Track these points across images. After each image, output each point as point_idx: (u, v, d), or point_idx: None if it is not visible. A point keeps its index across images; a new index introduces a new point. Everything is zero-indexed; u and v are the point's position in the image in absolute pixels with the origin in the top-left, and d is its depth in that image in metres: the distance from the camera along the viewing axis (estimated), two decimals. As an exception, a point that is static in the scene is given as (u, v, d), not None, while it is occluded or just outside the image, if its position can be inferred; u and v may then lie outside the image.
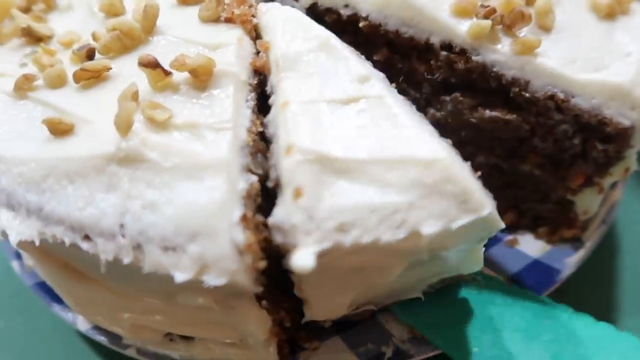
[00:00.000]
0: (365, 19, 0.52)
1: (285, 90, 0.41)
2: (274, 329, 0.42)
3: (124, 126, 0.36)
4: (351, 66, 0.43)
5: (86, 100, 0.41)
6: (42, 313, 0.58)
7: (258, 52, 0.46)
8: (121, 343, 0.49)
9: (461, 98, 0.50)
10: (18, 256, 0.56)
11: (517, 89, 0.46)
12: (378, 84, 0.42)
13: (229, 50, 0.43)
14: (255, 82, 0.44)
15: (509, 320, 0.43)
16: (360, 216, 0.35)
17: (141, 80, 0.41)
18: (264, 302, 0.40)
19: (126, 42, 0.45)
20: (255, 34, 0.48)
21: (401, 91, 0.45)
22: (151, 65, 0.40)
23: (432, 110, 0.54)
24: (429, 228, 0.35)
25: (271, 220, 0.36)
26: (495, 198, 0.38)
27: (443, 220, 0.35)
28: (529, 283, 0.53)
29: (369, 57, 0.47)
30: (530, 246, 0.56)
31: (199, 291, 0.38)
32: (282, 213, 0.35)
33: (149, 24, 0.45)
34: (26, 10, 0.53)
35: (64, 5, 0.53)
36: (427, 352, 0.47)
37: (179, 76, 0.41)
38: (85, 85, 0.42)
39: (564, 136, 0.48)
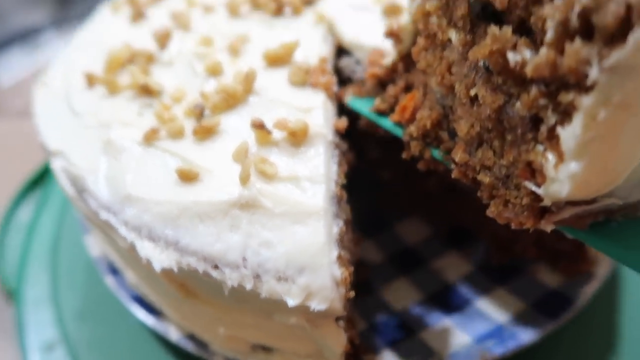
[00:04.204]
0: None
1: None
2: (347, 344, 0.52)
3: (245, 178, 0.46)
4: None
5: (203, 151, 0.51)
6: (126, 322, 0.67)
7: (339, 115, 0.56)
8: (209, 351, 0.58)
9: None
10: (113, 272, 0.65)
11: None
12: None
13: (318, 113, 0.53)
14: (337, 140, 0.54)
15: None
16: None
17: (244, 133, 0.51)
18: (341, 322, 0.50)
19: (230, 101, 0.54)
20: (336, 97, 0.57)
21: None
22: (259, 126, 0.50)
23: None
24: None
25: None
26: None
27: None
28: (547, 311, 0.63)
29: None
30: (549, 277, 0.66)
31: (295, 312, 0.47)
32: None
33: (248, 86, 0.55)
34: (129, 62, 0.62)
35: (166, 60, 0.62)
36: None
37: (278, 134, 0.51)
38: (200, 137, 0.52)
39: None
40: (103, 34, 0.69)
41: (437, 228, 0.75)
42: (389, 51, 0.56)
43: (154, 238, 0.46)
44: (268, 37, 0.63)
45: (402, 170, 0.67)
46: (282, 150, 0.50)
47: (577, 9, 0.29)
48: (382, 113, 0.55)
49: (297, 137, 0.50)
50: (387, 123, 0.54)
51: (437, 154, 0.49)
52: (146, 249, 0.46)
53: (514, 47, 0.35)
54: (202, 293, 0.50)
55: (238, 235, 0.45)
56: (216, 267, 0.45)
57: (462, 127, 0.44)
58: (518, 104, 0.36)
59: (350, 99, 0.59)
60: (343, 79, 0.66)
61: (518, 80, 0.35)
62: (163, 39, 0.63)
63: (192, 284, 0.49)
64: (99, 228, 0.53)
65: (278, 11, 0.66)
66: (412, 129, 0.50)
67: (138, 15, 0.70)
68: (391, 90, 0.55)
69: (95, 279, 0.70)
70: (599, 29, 0.28)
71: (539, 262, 0.68)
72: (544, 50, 0.32)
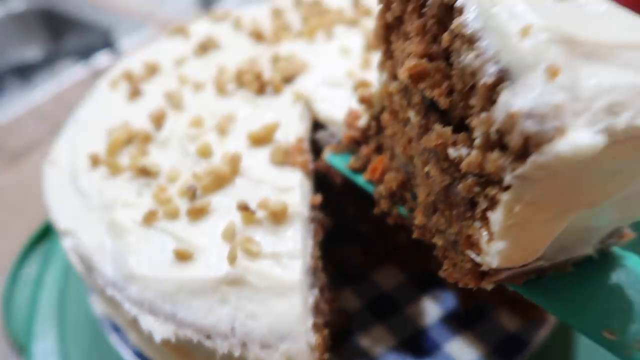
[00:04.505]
0: None
1: None
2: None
3: (232, 258, 0.53)
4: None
5: (196, 230, 0.58)
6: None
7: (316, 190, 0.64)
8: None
9: None
10: (116, 329, 0.72)
11: None
12: None
13: (295, 192, 0.61)
14: (313, 214, 0.62)
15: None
16: (629, 97, 0.31)
17: (232, 212, 0.59)
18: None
19: (219, 182, 0.62)
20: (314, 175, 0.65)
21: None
22: (244, 208, 0.57)
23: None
24: None
25: (518, 107, 0.32)
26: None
27: None
28: (506, 354, 0.70)
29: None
30: (509, 321, 0.74)
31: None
32: (536, 96, 0.31)
33: (234, 168, 0.63)
34: (128, 142, 0.70)
35: (162, 139, 0.70)
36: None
37: (261, 213, 0.59)
38: (193, 217, 0.59)
39: None
40: (103, 112, 0.76)
41: (410, 276, 0.83)
42: (363, 113, 0.64)
43: (155, 312, 0.54)
44: (252, 115, 0.71)
45: (377, 223, 0.75)
46: (265, 229, 0.58)
47: (494, 127, 0.35)
48: (356, 171, 0.62)
49: (278, 217, 0.58)
50: (360, 180, 0.62)
51: (403, 210, 0.57)
52: (148, 322, 0.53)
53: (454, 144, 0.41)
54: (197, 356, 0.57)
55: (227, 309, 0.52)
56: (209, 337, 0.52)
57: (420, 194, 0.50)
58: (460, 187, 0.42)
59: (329, 155, 0.66)
60: (318, 149, 0.74)
61: (458, 168, 0.41)
62: (158, 120, 0.71)
63: (188, 350, 0.56)
64: (106, 300, 0.60)
65: (261, 90, 0.74)
66: (381, 188, 0.57)
67: (135, 93, 0.78)
68: (364, 150, 0.62)
69: (101, 334, 0.77)
70: (509, 147, 0.34)
71: (501, 308, 0.76)
72: (474, 152, 0.38)
